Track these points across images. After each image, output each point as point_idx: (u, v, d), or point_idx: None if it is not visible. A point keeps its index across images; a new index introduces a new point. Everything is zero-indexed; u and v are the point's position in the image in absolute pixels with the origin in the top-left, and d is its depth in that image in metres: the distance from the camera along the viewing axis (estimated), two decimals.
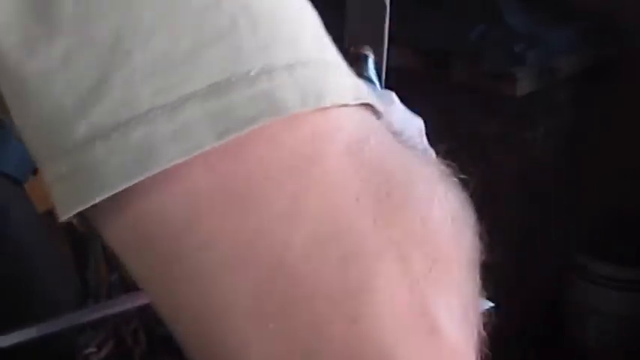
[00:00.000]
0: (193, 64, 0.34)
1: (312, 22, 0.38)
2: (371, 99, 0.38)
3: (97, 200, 0.34)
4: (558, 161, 1.96)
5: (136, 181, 0.34)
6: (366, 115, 0.38)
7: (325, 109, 0.36)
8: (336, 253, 0.34)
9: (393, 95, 0.78)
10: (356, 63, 0.82)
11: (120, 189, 0.34)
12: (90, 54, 0.34)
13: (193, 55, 0.34)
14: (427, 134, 0.80)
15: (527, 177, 1.90)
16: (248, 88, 0.34)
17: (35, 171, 1.52)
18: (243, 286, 0.34)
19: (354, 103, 0.37)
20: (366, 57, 0.83)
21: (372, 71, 0.83)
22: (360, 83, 0.38)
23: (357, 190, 0.35)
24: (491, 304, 0.86)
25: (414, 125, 0.76)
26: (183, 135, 0.33)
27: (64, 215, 0.35)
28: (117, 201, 0.34)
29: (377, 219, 0.35)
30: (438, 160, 0.44)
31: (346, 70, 0.38)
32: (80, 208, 0.34)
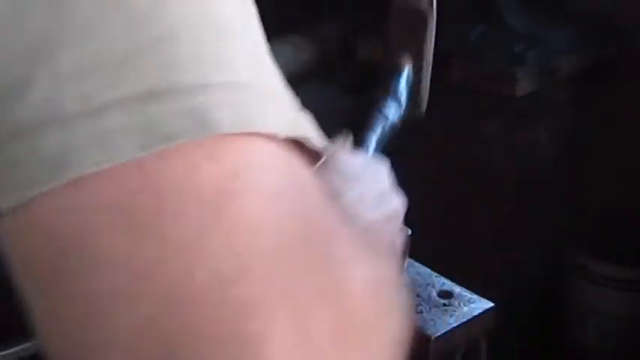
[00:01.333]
0: (124, 70, 0.32)
1: (255, 45, 0.36)
2: (309, 134, 0.36)
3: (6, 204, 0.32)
4: (558, 161, 1.96)
5: (45, 188, 0.31)
6: (299, 156, 0.36)
7: (253, 142, 0.34)
8: (234, 296, 0.32)
9: (381, 170, 0.77)
10: (391, 75, 0.82)
11: (29, 195, 0.32)
12: (16, 52, 0.32)
13: (125, 62, 0.32)
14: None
15: (527, 177, 1.90)
16: (177, 100, 0.32)
17: None
18: (128, 319, 0.31)
19: (286, 135, 0.35)
20: (400, 70, 0.83)
21: (402, 85, 0.83)
22: (301, 117, 0.36)
23: (270, 237, 0.33)
24: (492, 305, 0.86)
25: (369, 186, 0.74)
26: (104, 143, 0.32)
27: None
28: (26, 205, 0.32)
29: (287, 269, 0.33)
30: (375, 234, 0.44)
31: (288, 101, 0.36)
32: None
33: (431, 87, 2.03)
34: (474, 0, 1.87)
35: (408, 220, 0.86)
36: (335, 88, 2.00)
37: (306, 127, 0.37)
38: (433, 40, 0.84)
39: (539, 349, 2.09)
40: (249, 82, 0.34)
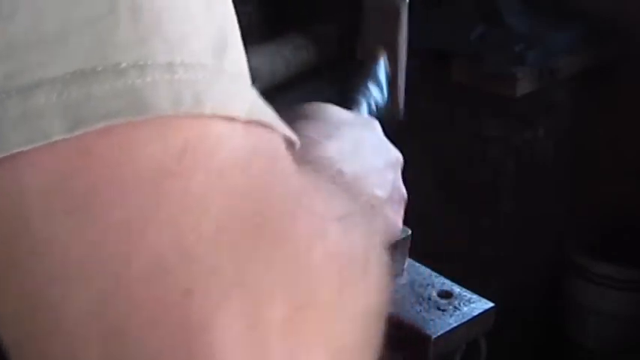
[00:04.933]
0: (57, 47, 0.31)
1: (217, 28, 0.34)
2: (272, 119, 0.35)
3: None
4: (558, 161, 1.96)
5: None
6: (260, 134, 0.34)
7: (206, 119, 0.32)
8: (179, 281, 0.31)
9: (374, 124, 0.74)
10: (367, 65, 0.82)
11: None
12: None
13: (59, 38, 0.31)
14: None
15: (527, 177, 1.90)
16: (113, 80, 0.31)
17: None
18: (72, 303, 0.31)
19: (244, 117, 0.33)
20: (376, 60, 0.82)
21: (381, 74, 0.82)
22: (263, 103, 0.35)
23: (217, 217, 0.32)
24: (492, 305, 0.86)
25: (364, 134, 0.71)
26: (30, 122, 0.30)
27: None
28: None
29: (237, 251, 0.32)
30: (366, 205, 0.41)
31: (248, 84, 0.35)
32: None
33: (431, 87, 2.03)
34: (474, 0, 1.88)
35: (408, 220, 0.86)
36: (335, 87, 2.00)
37: (268, 113, 0.35)
38: (406, 36, 0.83)
39: (539, 349, 2.09)
40: (204, 64, 0.33)
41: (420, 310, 0.83)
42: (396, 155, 0.72)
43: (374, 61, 0.82)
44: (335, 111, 0.71)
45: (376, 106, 0.79)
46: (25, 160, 0.31)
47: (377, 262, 0.40)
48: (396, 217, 0.71)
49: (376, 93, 0.80)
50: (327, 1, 2.16)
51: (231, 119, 0.33)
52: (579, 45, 1.86)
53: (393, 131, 0.77)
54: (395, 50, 0.83)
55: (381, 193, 0.67)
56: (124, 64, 0.31)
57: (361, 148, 0.68)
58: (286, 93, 1.93)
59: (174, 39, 0.32)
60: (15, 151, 0.30)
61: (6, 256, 0.31)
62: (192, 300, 0.31)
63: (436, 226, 1.89)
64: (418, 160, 1.88)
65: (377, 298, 0.39)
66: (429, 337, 0.81)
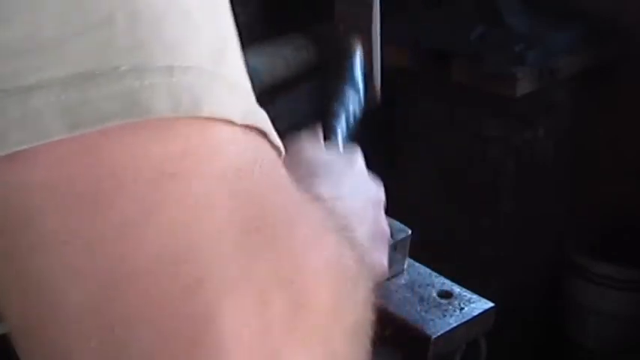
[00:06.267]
0: (58, 50, 0.32)
1: (216, 33, 0.35)
2: (266, 126, 0.36)
3: None
4: (558, 161, 1.96)
5: None
6: (258, 141, 0.35)
7: (205, 121, 0.33)
8: (183, 275, 0.32)
9: (354, 159, 0.74)
10: (343, 60, 0.81)
11: None
12: None
13: (59, 42, 0.32)
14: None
15: (527, 177, 1.90)
16: (113, 83, 0.32)
17: None
18: (73, 297, 0.31)
19: (240, 122, 0.34)
20: (351, 55, 0.82)
21: (357, 72, 0.81)
22: (260, 113, 0.36)
23: (220, 216, 0.33)
24: (492, 305, 0.86)
25: (343, 177, 0.71)
26: (32, 122, 0.31)
27: None
28: None
29: (239, 250, 0.33)
30: (345, 222, 0.42)
31: (246, 92, 0.36)
32: None
33: (431, 87, 2.03)
34: (474, 0, 1.88)
35: (408, 220, 0.86)
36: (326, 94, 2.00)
37: (264, 121, 0.36)
38: (379, 23, 0.83)
39: (539, 349, 2.09)
40: (202, 68, 0.34)
41: (420, 310, 0.83)
42: (376, 192, 0.73)
43: (349, 56, 0.81)
44: (312, 153, 0.71)
45: (354, 113, 0.79)
46: (25, 158, 0.31)
47: (365, 284, 0.41)
48: (380, 255, 0.71)
49: (353, 98, 0.80)
50: (327, 1, 2.16)
51: (229, 123, 0.34)
52: (579, 45, 1.86)
53: (374, 112, 0.77)
54: (369, 38, 0.82)
55: (362, 235, 0.67)
56: (122, 68, 0.32)
57: (340, 190, 0.68)
58: (286, 93, 1.93)
59: (172, 43, 0.33)
60: (15, 149, 0.31)
61: (7, 249, 0.32)
62: (196, 291, 0.31)
63: (436, 226, 1.89)
64: (418, 160, 1.89)
65: (365, 315, 0.40)
66: (429, 337, 0.81)
